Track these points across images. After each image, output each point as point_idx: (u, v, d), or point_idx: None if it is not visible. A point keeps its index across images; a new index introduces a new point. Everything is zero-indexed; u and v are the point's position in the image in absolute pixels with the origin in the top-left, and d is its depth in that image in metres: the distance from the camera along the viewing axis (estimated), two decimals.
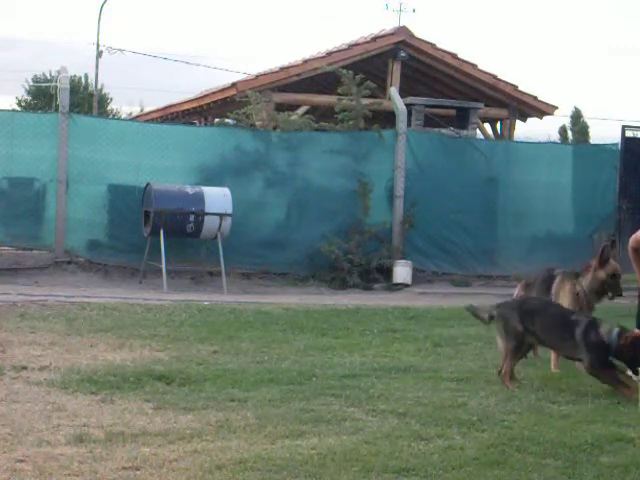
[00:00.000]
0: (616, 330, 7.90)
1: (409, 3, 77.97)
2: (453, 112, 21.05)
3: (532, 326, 8.24)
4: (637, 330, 7.94)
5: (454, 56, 21.56)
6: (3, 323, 10.55)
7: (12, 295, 13.00)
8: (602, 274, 9.10)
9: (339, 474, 5.56)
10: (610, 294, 9.21)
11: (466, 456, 5.95)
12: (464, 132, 20.10)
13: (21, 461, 5.60)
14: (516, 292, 10.04)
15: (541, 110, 22.82)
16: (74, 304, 12.29)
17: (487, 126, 23.36)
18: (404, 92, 19.81)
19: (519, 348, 8.31)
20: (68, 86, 16.65)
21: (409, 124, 18.12)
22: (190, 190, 15.41)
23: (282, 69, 21.09)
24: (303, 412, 6.94)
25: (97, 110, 41.33)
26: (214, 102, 22.71)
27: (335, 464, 5.71)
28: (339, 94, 18.11)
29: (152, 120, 26.12)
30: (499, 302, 8.85)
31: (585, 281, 9.18)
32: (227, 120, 23.74)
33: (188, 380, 7.92)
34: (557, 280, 9.46)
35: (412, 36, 21.22)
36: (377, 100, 19.86)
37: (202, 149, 16.51)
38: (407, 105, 17.99)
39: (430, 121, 20.30)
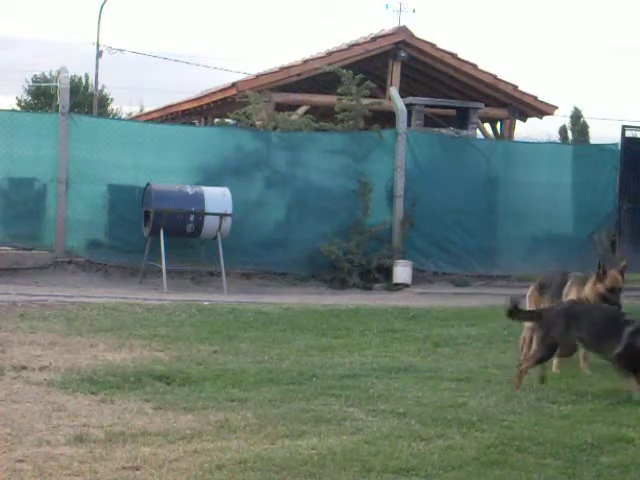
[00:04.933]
0: None
1: (409, 3, 77.94)
2: (453, 112, 21.04)
3: (578, 331, 8.12)
4: None
5: (454, 56, 21.56)
6: (3, 323, 10.54)
7: (12, 295, 12.99)
8: (601, 288, 9.05)
9: (339, 474, 5.56)
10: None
11: (466, 456, 5.95)
12: (464, 132, 20.10)
13: (21, 461, 5.61)
14: (529, 293, 9.84)
15: (541, 110, 22.82)
16: (74, 304, 12.28)
17: (487, 126, 23.36)
18: (404, 92, 19.81)
19: (547, 357, 8.28)
20: (68, 86, 16.64)
21: (409, 124, 18.11)
22: (190, 190, 15.41)
23: (282, 69, 21.09)
24: (303, 412, 6.94)
25: (97, 110, 41.32)
26: (214, 102, 22.70)
27: (335, 464, 5.71)
28: (339, 94, 18.11)
29: (152, 120, 26.12)
30: (547, 307, 8.85)
31: (587, 291, 9.14)
32: (227, 120, 23.78)
33: (188, 380, 7.92)
34: (568, 284, 9.44)
35: (412, 36, 21.22)
36: (377, 100, 19.86)
37: (202, 149, 16.50)
38: (407, 105, 17.98)
39: (430, 121, 20.30)
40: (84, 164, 15.78)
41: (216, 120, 25.78)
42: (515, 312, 8.44)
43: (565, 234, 18.19)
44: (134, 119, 30.74)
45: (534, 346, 8.45)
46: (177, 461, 5.70)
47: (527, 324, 9.11)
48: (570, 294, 9.32)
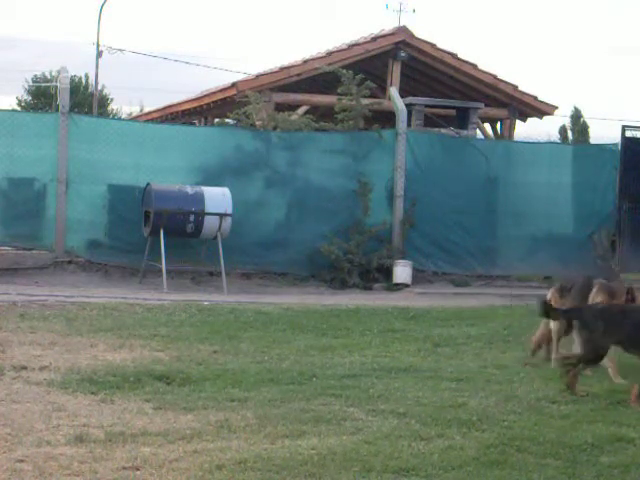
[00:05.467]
0: None
1: (409, 3, 77.80)
2: (453, 112, 21.05)
3: (618, 334, 8.01)
4: None
5: (454, 56, 21.56)
6: (3, 323, 10.55)
7: (12, 295, 12.99)
8: None
9: (339, 474, 5.56)
10: None
11: (466, 456, 5.96)
12: (464, 132, 20.10)
13: (21, 461, 5.61)
14: (549, 296, 9.71)
15: (541, 110, 22.82)
16: (74, 304, 12.28)
17: (487, 126, 23.36)
18: (404, 92, 19.81)
19: (596, 361, 8.18)
20: (68, 86, 16.64)
21: (409, 124, 18.11)
22: (190, 190, 15.41)
23: (282, 69, 21.10)
24: (303, 412, 6.94)
25: (97, 110, 41.32)
26: (214, 102, 22.71)
27: (335, 464, 5.71)
28: (339, 94, 18.11)
29: (152, 120, 26.12)
30: (583, 306, 8.76)
31: None
32: (227, 120, 23.78)
33: (188, 380, 7.92)
34: (594, 290, 9.37)
35: (412, 36, 21.22)
36: (377, 100, 19.86)
37: (202, 149, 16.49)
38: (407, 105, 17.98)
39: (430, 121, 20.30)
40: (84, 164, 15.78)
41: (216, 120, 25.77)
42: (551, 310, 8.37)
43: (565, 234, 18.19)
44: (134, 119, 30.75)
45: (578, 348, 8.23)
46: (177, 461, 5.70)
47: (544, 326, 9.06)
48: (597, 301, 9.22)
